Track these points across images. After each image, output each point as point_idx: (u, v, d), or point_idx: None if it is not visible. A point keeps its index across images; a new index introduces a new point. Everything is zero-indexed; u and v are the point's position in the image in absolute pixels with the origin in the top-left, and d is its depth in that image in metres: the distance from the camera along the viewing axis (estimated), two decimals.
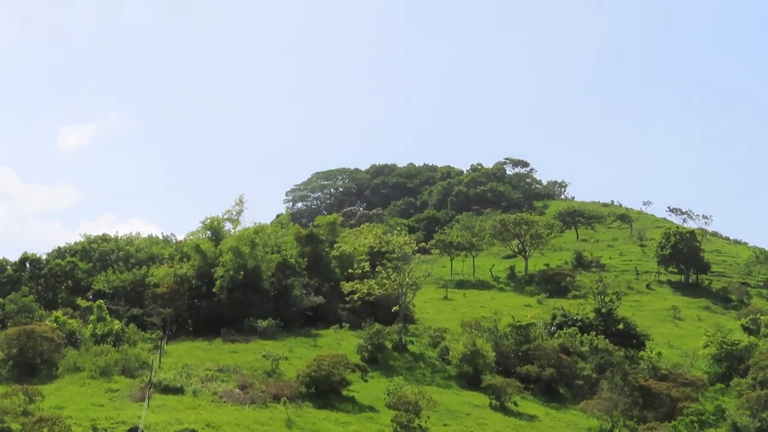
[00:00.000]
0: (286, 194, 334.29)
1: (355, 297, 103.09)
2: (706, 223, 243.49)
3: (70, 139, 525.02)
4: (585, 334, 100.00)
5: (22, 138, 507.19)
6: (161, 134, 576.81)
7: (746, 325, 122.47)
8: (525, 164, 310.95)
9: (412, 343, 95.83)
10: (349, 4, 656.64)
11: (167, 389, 66.76)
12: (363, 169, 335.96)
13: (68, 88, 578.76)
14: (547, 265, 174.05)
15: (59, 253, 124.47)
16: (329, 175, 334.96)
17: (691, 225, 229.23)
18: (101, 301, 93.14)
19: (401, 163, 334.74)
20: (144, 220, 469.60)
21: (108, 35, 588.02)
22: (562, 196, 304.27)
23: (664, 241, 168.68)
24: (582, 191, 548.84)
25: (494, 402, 78.44)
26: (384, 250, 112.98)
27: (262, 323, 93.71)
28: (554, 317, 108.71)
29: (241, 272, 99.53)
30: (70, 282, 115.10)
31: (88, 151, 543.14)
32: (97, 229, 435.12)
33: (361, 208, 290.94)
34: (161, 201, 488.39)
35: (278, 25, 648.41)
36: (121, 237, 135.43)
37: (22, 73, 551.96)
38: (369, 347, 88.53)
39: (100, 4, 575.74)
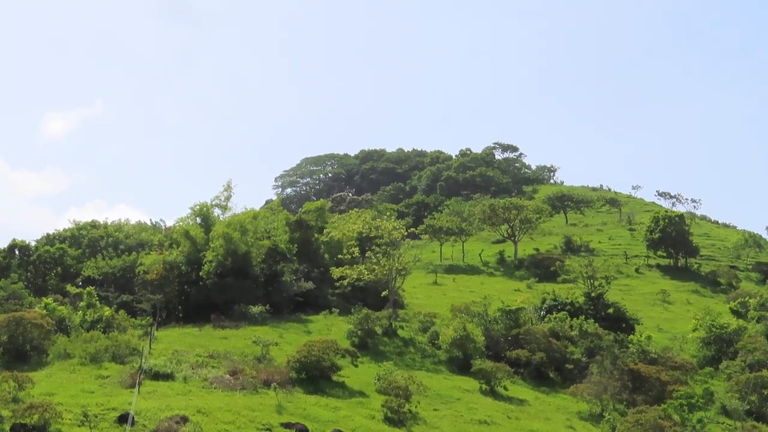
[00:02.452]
0: (276, 180, 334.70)
1: (345, 282, 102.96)
2: (695, 206, 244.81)
3: (54, 125, 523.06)
4: (575, 319, 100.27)
5: (5, 124, 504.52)
6: (148, 120, 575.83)
7: (735, 309, 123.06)
8: (514, 149, 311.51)
9: (402, 328, 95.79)
10: None
11: (157, 375, 66.61)
12: (352, 155, 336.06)
13: (51, 74, 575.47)
14: (537, 249, 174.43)
15: (48, 239, 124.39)
16: (318, 160, 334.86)
17: (680, 209, 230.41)
18: (91, 287, 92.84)
19: (390, 149, 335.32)
20: (132, 206, 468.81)
21: (93, 22, 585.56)
22: (551, 181, 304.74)
23: (653, 225, 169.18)
24: (571, 175, 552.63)
25: (484, 386, 78.56)
26: (373, 235, 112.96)
27: (253, 309, 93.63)
28: (544, 301, 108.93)
29: (230, 258, 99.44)
30: (59, 269, 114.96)
31: (75, 137, 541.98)
32: (85, 215, 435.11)
33: (350, 194, 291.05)
34: (149, 187, 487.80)
35: (268, 12, 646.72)
36: (111, 223, 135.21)
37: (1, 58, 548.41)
38: (359, 332, 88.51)
39: None
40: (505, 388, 79.01)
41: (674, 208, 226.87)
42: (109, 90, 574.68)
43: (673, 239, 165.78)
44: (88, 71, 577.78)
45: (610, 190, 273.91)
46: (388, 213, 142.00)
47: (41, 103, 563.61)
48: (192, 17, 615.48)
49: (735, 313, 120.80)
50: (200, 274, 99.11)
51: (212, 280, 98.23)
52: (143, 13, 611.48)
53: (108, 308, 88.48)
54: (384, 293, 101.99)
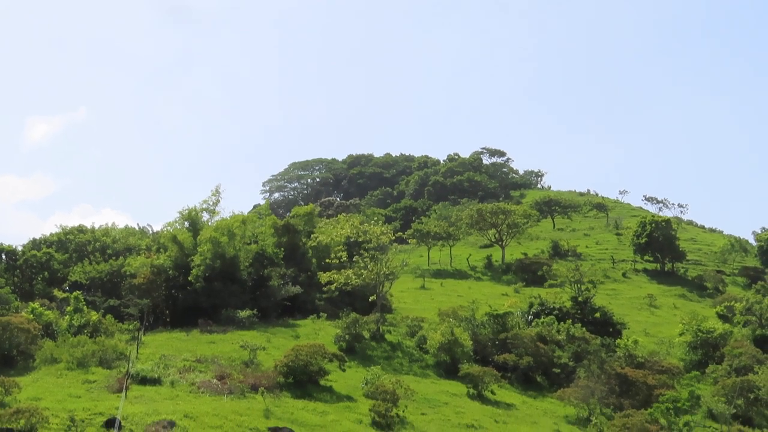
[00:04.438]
0: (263, 184, 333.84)
1: (333, 287, 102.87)
2: (681, 211, 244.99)
3: (38, 130, 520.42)
4: (562, 323, 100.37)
5: None
6: (134, 124, 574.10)
7: (721, 313, 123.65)
8: (502, 154, 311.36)
9: (390, 332, 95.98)
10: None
11: (145, 380, 66.59)
12: (340, 159, 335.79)
13: (34, 77, 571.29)
14: (524, 254, 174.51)
15: (35, 244, 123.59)
16: (306, 165, 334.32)
17: (667, 214, 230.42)
18: (78, 292, 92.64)
19: (378, 153, 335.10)
20: (119, 210, 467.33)
21: (75, 25, 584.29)
22: (539, 186, 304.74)
23: (639, 229, 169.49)
24: (558, 180, 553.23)
25: (472, 391, 78.76)
26: (361, 240, 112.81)
27: (240, 314, 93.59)
28: (531, 306, 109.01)
29: (217, 262, 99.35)
30: (46, 273, 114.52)
31: (60, 142, 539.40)
32: (72, 219, 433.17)
33: (338, 198, 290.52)
34: (136, 191, 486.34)
35: (256, 17, 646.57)
36: (98, 228, 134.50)
37: None
38: (346, 337, 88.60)
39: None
40: (493, 393, 79.23)
41: (661, 213, 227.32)
42: (95, 93, 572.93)
43: (659, 244, 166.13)
44: (73, 73, 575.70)
45: (597, 195, 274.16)
46: (376, 217, 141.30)
47: (25, 106, 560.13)
48: (181, 18, 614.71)
49: (721, 317, 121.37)
50: (188, 278, 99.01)
51: (200, 284, 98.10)
52: (129, 15, 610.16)
53: (95, 313, 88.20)
54: (372, 298, 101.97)
